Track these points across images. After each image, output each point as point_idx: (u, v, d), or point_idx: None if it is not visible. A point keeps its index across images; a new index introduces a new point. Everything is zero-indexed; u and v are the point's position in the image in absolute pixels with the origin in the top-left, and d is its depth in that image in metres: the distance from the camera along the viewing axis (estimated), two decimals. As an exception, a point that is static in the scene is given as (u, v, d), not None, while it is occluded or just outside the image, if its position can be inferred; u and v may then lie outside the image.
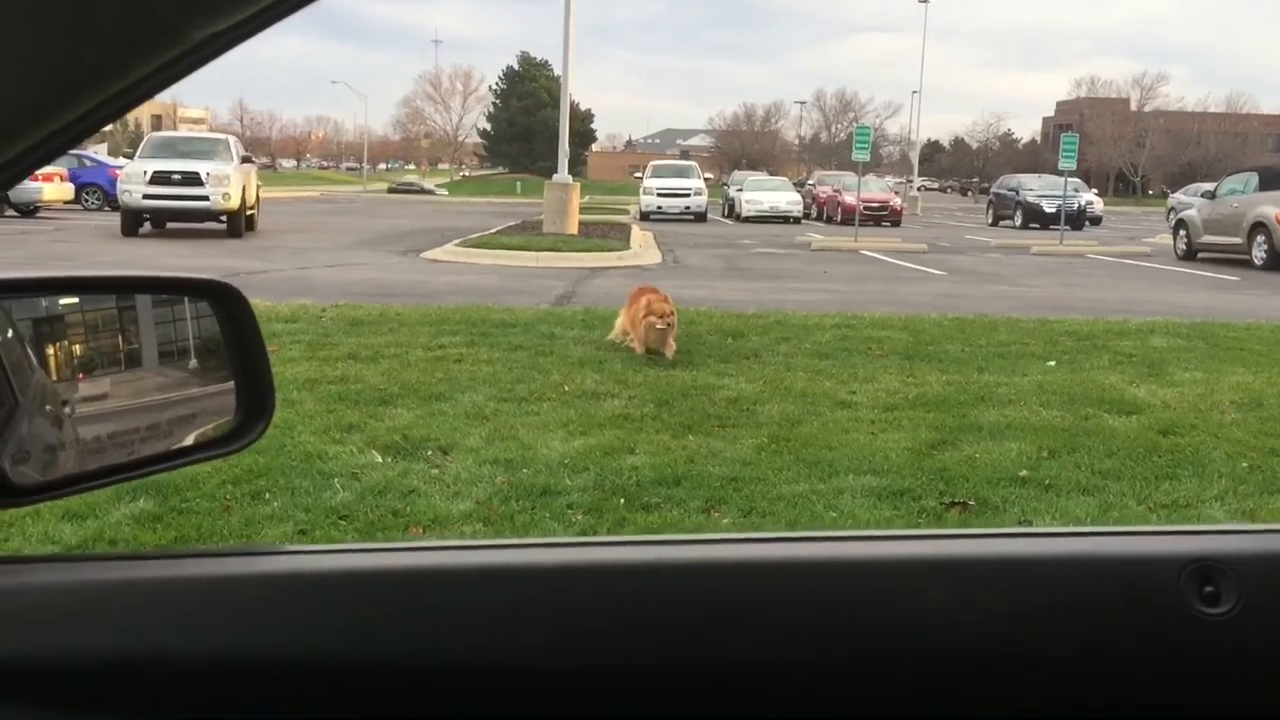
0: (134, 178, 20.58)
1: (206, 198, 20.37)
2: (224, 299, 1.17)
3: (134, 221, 20.85)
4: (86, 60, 0.63)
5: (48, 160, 0.72)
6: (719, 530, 4.27)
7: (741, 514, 4.46)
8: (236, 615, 1.06)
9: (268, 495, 4.46)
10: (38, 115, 0.66)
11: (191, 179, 20.30)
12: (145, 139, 22.78)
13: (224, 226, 21.18)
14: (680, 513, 4.44)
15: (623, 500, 4.57)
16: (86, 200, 30.40)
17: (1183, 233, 22.30)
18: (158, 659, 1.04)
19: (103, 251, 17.70)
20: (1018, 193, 35.93)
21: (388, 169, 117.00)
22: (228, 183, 20.65)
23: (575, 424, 5.83)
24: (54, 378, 1.12)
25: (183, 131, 25.34)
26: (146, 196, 20.34)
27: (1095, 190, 49.12)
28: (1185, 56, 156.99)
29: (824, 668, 1.09)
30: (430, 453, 5.21)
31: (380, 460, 5.06)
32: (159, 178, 20.26)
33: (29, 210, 26.51)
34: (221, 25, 0.64)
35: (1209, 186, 24.90)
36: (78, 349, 1.16)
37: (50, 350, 1.13)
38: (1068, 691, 1.10)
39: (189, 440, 1.19)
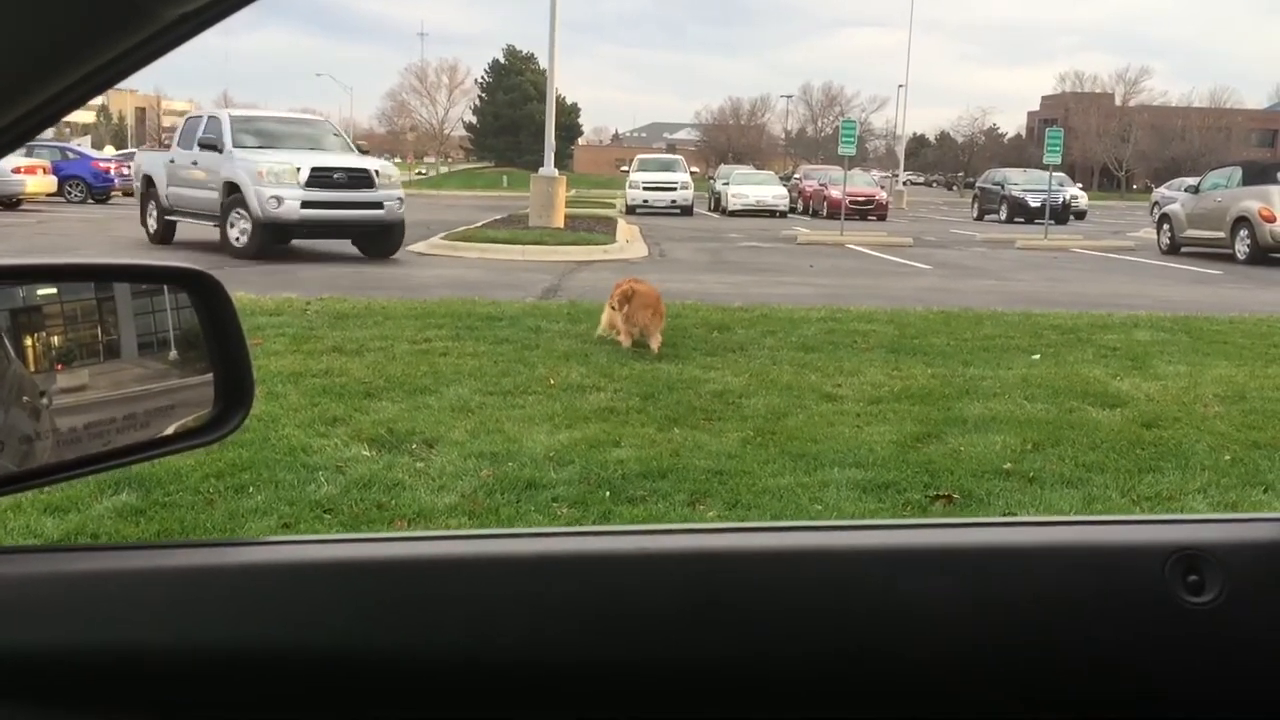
0: (281, 178, 14.61)
1: (380, 204, 15.26)
2: (202, 289, 1.16)
3: (270, 239, 14.75)
4: (54, 41, 0.62)
5: (16, 146, 0.71)
6: (703, 522, 4.27)
7: (727, 507, 4.46)
8: (218, 606, 1.06)
9: (251, 489, 4.45)
10: (2, 99, 0.65)
11: (360, 179, 15.14)
12: (217, 120, 16.03)
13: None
14: (665, 506, 4.44)
15: (608, 493, 4.56)
16: (70, 193, 30.24)
17: (1166, 227, 22.40)
18: (140, 650, 1.03)
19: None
20: (1003, 187, 36.01)
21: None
22: (398, 184, 16.03)
23: (561, 417, 5.82)
24: (32, 369, 1.11)
25: (256, 110, 19.55)
26: (307, 205, 14.61)
27: (1080, 185, 49.31)
28: (1169, 51, 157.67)
29: (807, 658, 1.09)
30: (415, 446, 5.20)
31: (365, 453, 5.04)
32: (319, 178, 14.78)
33: (11, 203, 26.34)
34: (193, 5, 0.63)
35: (1193, 181, 25.01)
36: (56, 340, 1.15)
37: (28, 341, 1.12)
38: (1053, 681, 1.10)
39: (168, 431, 1.18)
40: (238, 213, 14.90)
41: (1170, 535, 1.17)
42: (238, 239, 14.96)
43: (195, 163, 15.88)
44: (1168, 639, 1.10)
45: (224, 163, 15.18)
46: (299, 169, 14.76)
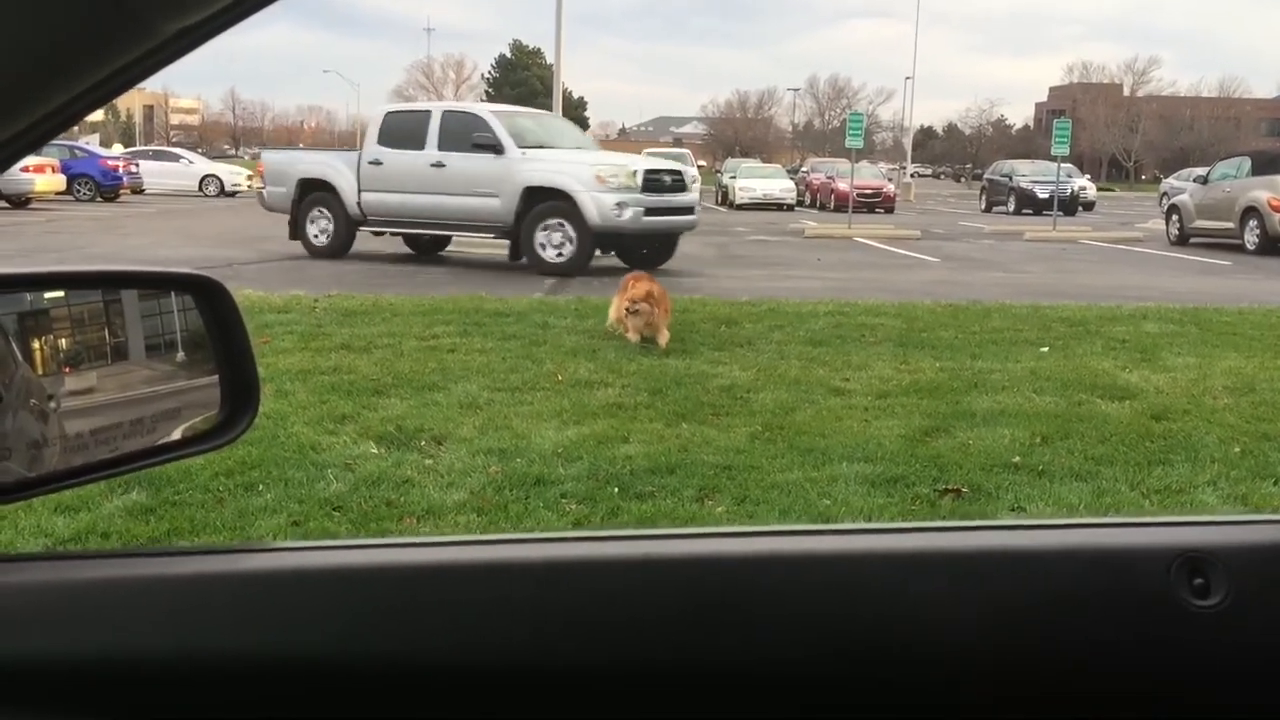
0: (616, 179, 13.32)
1: (693, 209, 14.64)
2: (208, 293, 1.16)
3: (592, 252, 13.52)
4: (56, 55, 0.62)
5: (21, 156, 0.71)
6: (709, 524, 4.27)
7: (735, 502, 4.46)
8: (222, 613, 1.06)
9: (261, 487, 4.46)
10: (7, 110, 0.66)
11: (679, 182, 14.32)
12: (478, 116, 14.57)
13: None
14: (674, 501, 4.44)
15: (616, 489, 4.56)
16: (78, 191, 30.30)
17: (1175, 218, 22.33)
18: (145, 657, 1.04)
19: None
20: (1011, 179, 35.94)
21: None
22: (697, 185, 15.24)
23: (569, 413, 5.83)
24: (39, 372, 1.11)
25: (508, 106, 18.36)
26: (651, 212, 13.53)
27: (1088, 176, 49.12)
28: (1177, 41, 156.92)
29: (813, 662, 1.09)
30: (424, 443, 5.20)
31: (374, 451, 5.05)
32: (650, 182, 13.66)
33: (20, 201, 26.41)
34: (193, 19, 0.63)
35: (1201, 171, 24.94)
36: (63, 343, 1.15)
37: (35, 345, 1.13)
38: (1058, 684, 1.10)
39: (175, 436, 1.18)
40: (558, 222, 13.41)
41: (1175, 538, 1.17)
42: (558, 253, 13.44)
43: (441, 164, 14.11)
44: (1173, 642, 1.10)
45: (515, 165, 13.65)
46: (635, 172, 13.54)
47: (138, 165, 34.69)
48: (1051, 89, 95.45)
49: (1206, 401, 6.40)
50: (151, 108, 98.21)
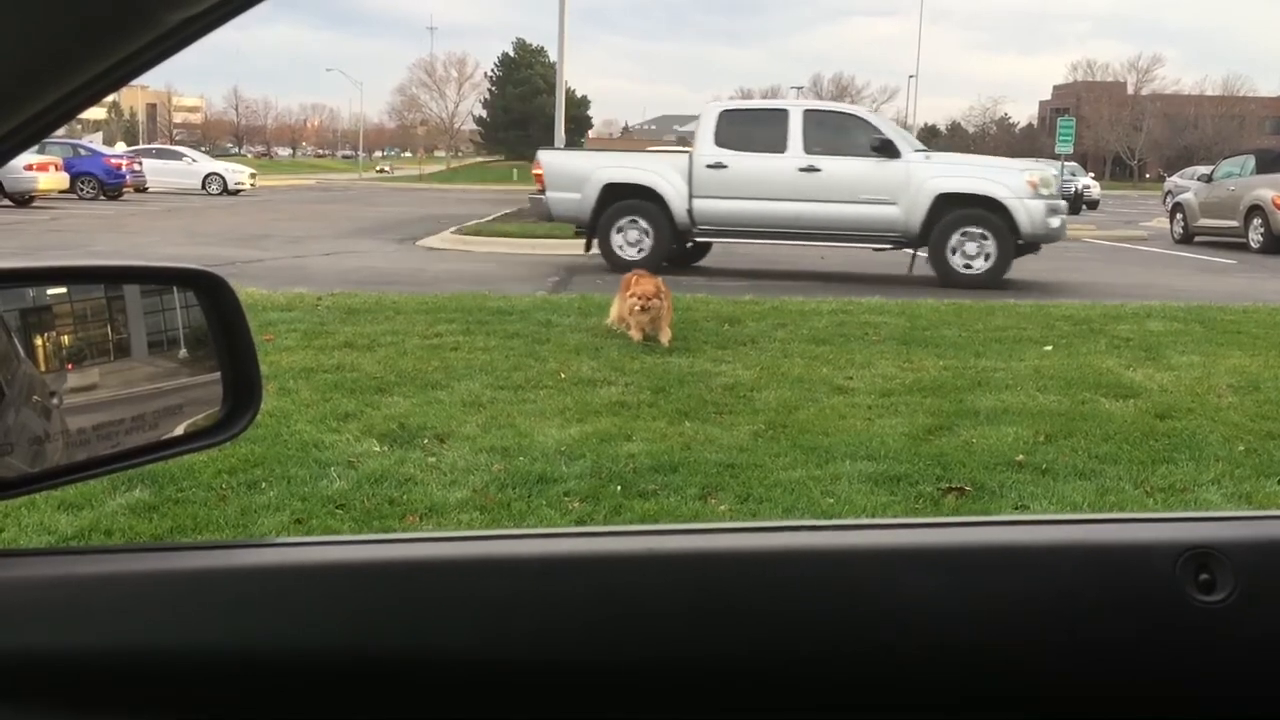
0: (1047, 185, 13.10)
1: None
2: (210, 289, 1.16)
3: (1011, 262, 12.89)
4: (58, 45, 0.62)
5: (24, 148, 0.71)
6: (712, 520, 4.27)
7: (739, 500, 4.46)
8: (226, 608, 1.06)
9: (264, 484, 4.46)
10: (7, 103, 0.65)
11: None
12: (858, 117, 14.03)
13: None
14: (677, 500, 4.44)
15: (619, 487, 4.56)
16: (81, 189, 30.33)
17: (1179, 216, 22.32)
18: (149, 652, 1.03)
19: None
20: (1015, 177, 35.83)
21: (384, 156, 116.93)
22: None
23: (572, 411, 5.83)
24: (42, 368, 1.11)
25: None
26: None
27: (1092, 174, 49.10)
28: (1181, 39, 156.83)
29: (818, 657, 1.08)
30: (427, 441, 5.20)
31: (377, 448, 5.05)
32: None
33: (24, 200, 26.44)
34: (196, 9, 0.62)
35: (1206, 170, 24.91)
36: (66, 340, 1.15)
37: (38, 340, 1.13)
38: (1063, 681, 1.10)
39: (177, 431, 1.18)
40: (980, 232, 12.75)
41: (1181, 534, 1.17)
42: (967, 263, 12.78)
43: (814, 169, 13.14)
44: (1178, 638, 1.10)
45: (919, 170, 13.04)
46: (1054, 177, 13.66)
47: (141, 163, 34.73)
48: (1055, 87, 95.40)
49: (1211, 400, 6.39)
50: (154, 106, 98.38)
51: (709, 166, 13.45)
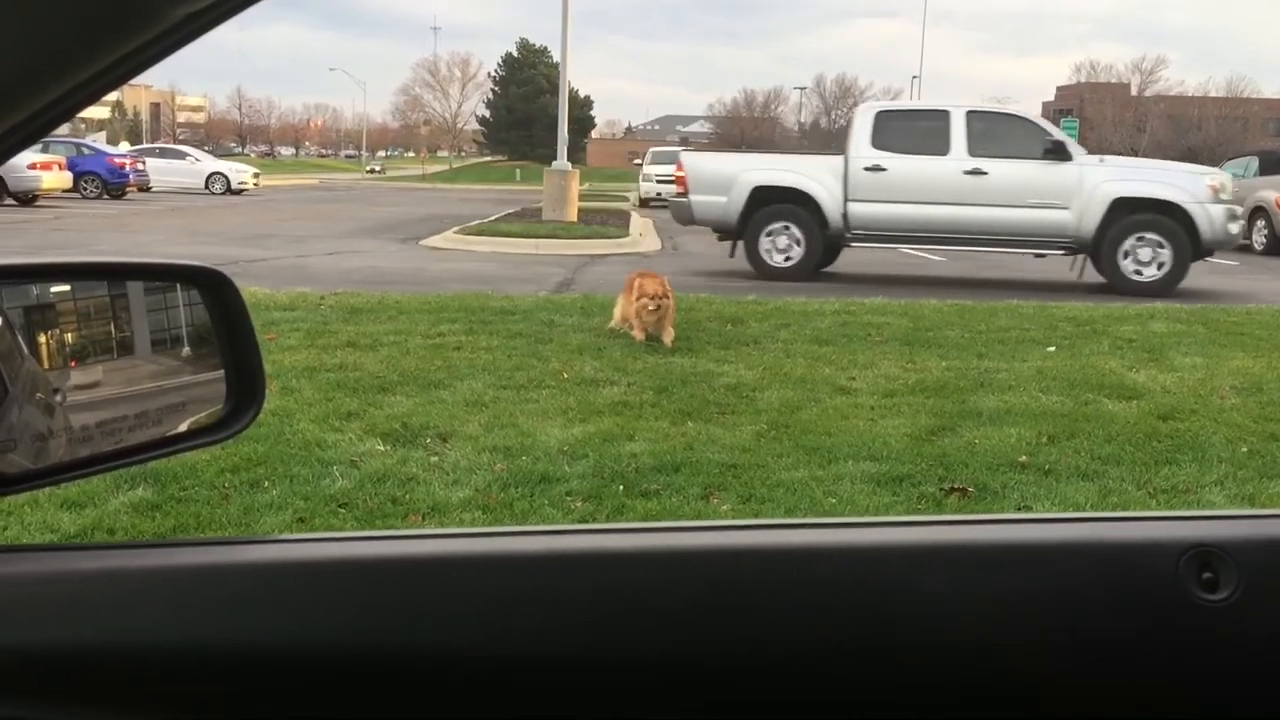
0: (1227, 190, 12.91)
1: None
2: (214, 286, 1.16)
3: (1188, 269, 12.67)
4: (62, 39, 0.62)
5: (28, 144, 0.71)
6: (715, 517, 4.27)
7: (741, 500, 4.46)
8: (229, 604, 1.06)
9: (266, 483, 4.46)
10: (10, 99, 0.65)
11: None
12: (1029, 121, 13.65)
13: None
14: (680, 499, 4.44)
15: (622, 487, 4.56)
16: (85, 189, 30.34)
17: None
18: (151, 648, 1.04)
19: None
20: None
21: (387, 156, 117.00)
22: None
23: (574, 411, 5.83)
24: (45, 365, 1.11)
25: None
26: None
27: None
28: (1184, 40, 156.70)
29: (821, 654, 1.08)
30: (429, 440, 5.20)
31: (379, 448, 5.05)
32: None
33: (27, 199, 26.46)
34: (200, 4, 0.62)
35: (1209, 171, 24.84)
36: (69, 336, 1.15)
37: (42, 338, 1.13)
38: (1065, 679, 1.10)
39: (181, 428, 1.18)
40: (1155, 239, 12.47)
41: (1184, 532, 1.17)
42: (1137, 270, 12.57)
43: (980, 171, 12.80)
44: (1181, 636, 1.10)
45: (1092, 174, 12.74)
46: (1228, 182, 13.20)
47: (144, 163, 34.72)
48: (1059, 88, 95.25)
49: (1214, 401, 6.38)
50: (158, 105, 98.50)
51: (866, 169, 13.03)
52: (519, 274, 13.31)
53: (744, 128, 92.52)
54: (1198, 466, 5.03)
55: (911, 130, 13.30)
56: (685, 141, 72.35)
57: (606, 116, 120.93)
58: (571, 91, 30.59)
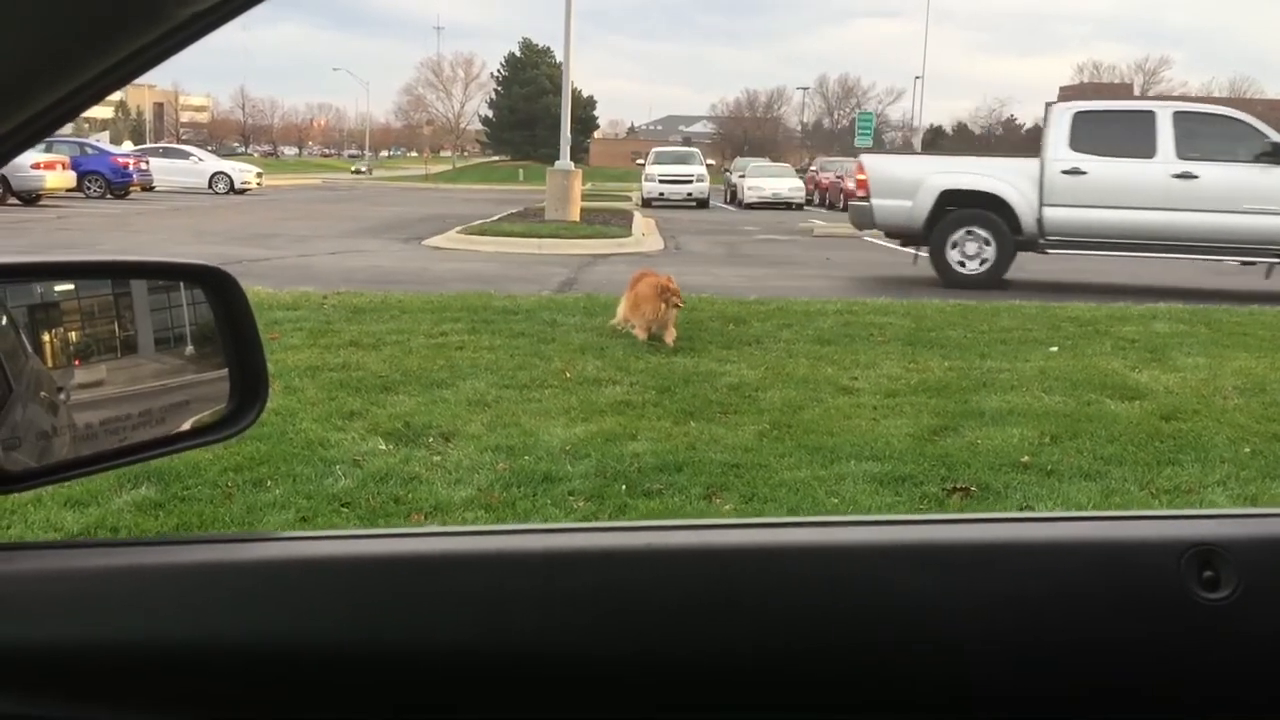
0: None
1: None
2: (218, 285, 1.16)
3: None
4: (67, 39, 0.62)
5: (32, 143, 0.71)
6: (714, 516, 4.27)
7: (743, 500, 4.46)
8: (232, 601, 1.06)
9: (269, 482, 4.47)
10: (15, 98, 0.65)
11: None
12: (1242, 119, 12.91)
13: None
14: (682, 499, 4.44)
15: (624, 486, 4.57)
16: (88, 188, 30.36)
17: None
18: (153, 645, 1.04)
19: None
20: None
21: (390, 156, 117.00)
22: None
23: (577, 410, 5.83)
24: (49, 364, 1.12)
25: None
26: None
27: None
28: (1187, 40, 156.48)
29: (818, 653, 1.09)
30: (432, 439, 5.21)
31: (382, 447, 5.06)
32: None
33: (31, 198, 26.48)
34: (205, 4, 0.63)
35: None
36: (73, 335, 1.15)
37: (45, 336, 1.13)
38: (1066, 678, 1.10)
39: (184, 427, 1.19)
40: None
41: (1185, 531, 1.17)
42: None
43: (1190, 175, 12.25)
44: (1182, 635, 1.10)
45: None
46: None
47: (148, 162, 34.73)
48: (1062, 88, 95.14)
49: (1216, 402, 6.38)
50: (161, 105, 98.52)
51: (1064, 172, 12.50)
52: (522, 274, 13.31)
53: (747, 128, 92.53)
54: (1200, 467, 5.03)
55: (1112, 132, 12.69)
56: (688, 141, 72.31)
57: (609, 116, 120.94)
58: (575, 91, 30.60)
